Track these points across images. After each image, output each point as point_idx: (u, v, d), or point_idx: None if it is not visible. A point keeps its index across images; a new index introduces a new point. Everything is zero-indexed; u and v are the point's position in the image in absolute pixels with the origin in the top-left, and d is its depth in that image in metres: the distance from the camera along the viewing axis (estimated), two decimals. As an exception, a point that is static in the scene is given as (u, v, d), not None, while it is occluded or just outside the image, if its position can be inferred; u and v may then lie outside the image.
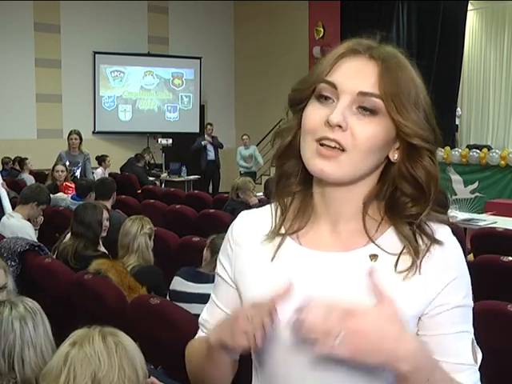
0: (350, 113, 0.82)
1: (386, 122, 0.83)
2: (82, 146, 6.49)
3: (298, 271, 0.90)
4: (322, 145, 0.83)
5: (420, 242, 0.87)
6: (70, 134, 6.47)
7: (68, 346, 1.21)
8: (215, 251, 2.64)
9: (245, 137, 9.70)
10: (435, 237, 0.88)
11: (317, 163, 0.84)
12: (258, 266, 0.93)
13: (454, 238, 0.91)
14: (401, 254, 0.87)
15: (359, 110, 0.83)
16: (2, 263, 2.16)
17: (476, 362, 0.90)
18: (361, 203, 0.89)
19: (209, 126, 9.71)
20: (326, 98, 0.85)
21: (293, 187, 0.93)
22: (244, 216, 1.01)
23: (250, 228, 0.97)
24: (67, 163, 6.28)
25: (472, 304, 0.90)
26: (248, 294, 0.93)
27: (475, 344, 0.91)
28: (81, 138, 6.42)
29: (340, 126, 0.81)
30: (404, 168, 0.86)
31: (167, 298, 2.71)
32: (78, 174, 6.34)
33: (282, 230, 0.93)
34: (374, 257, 0.88)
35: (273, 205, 0.97)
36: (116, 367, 1.19)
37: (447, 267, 0.87)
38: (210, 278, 2.52)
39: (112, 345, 1.21)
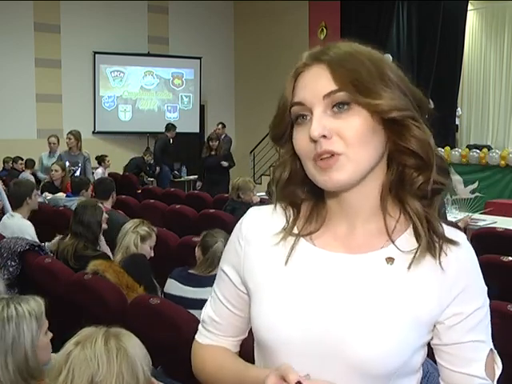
0: (327, 117, 0.83)
1: (361, 110, 0.82)
2: (81, 147, 6.51)
3: (314, 273, 0.89)
4: (319, 159, 0.83)
5: (434, 239, 0.86)
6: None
7: (72, 344, 1.21)
8: (206, 249, 2.64)
9: (52, 139, 6.91)
10: (449, 238, 0.87)
11: (325, 177, 0.83)
12: (272, 268, 0.92)
13: (470, 245, 0.90)
14: (417, 251, 0.86)
15: (334, 111, 0.83)
16: None
17: (491, 376, 0.88)
18: (378, 199, 0.88)
19: (220, 126, 9.03)
20: (303, 116, 0.85)
21: (299, 195, 0.93)
22: (254, 212, 0.99)
23: (261, 225, 0.96)
24: (67, 163, 6.30)
25: (488, 313, 0.89)
26: (262, 295, 0.92)
27: (496, 357, 0.90)
28: (77, 139, 6.43)
29: (324, 136, 0.82)
30: (397, 144, 0.86)
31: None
32: (77, 174, 6.35)
33: (295, 230, 0.93)
34: (390, 260, 0.87)
35: (283, 203, 0.96)
36: (114, 373, 1.18)
37: (463, 272, 0.87)
38: (202, 281, 2.52)
39: (113, 349, 1.20)
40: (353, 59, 0.83)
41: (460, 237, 0.89)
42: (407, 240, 0.88)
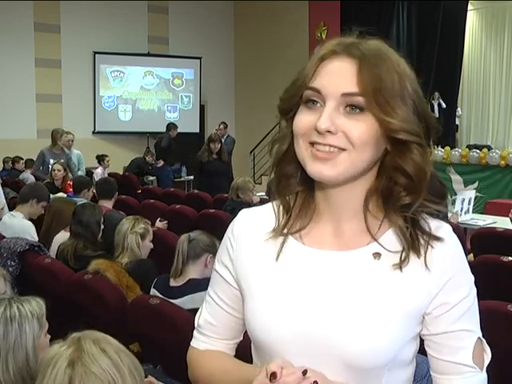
0: (338, 114, 0.83)
1: (372, 119, 0.83)
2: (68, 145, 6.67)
3: (302, 270, 0.90)
4: (316, 147, 0.84)
5: (420, 239, 0.87)
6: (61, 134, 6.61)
7: (66, 367, 1.11)
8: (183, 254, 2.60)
9: (69, 136, 6.91)
10: (434, 234, 0.88)
11: (315, 167, 0.84)
12: (262, 265, 0.93)
13: (455, 236, 0.91)
14: (403, 251, 0.87)
15: (347, 110, 0.83)
16: (1, 271, 2.15)
17: (480, 364, 0.89)
18: (362, 201, 0.90)
19: (222, 126, 8.73)
20: (314, 102, 0.85)
21: (294, 187, 0.93)
22: (245, 214, 1.00)
23: (252, 226, 0.97)
24: (50, 161, 6.38)
25: (476, 303, 0.90)
26: (254, 295, 0.93)
27: (484, 346, 0.91)
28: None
29: (329, 131, 0.82)
30: (394, 160, 0.86)
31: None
32: None
33: (285, 230, 0.93)
34: (377, 255, 0.88)
35: (274, 203, 0.97)
36: (127, 377, 1.15)
37: (448, 264, 0.88)
38: (180, 292, 2.50)
39: (114, 355, 1.16)
40: (382, 65, 0.82)
41: (445, 229, 0.90)
42: (391, 238, 0.89)
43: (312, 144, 0.84)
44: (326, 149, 0.83)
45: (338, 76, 0.83)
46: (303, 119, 0.86)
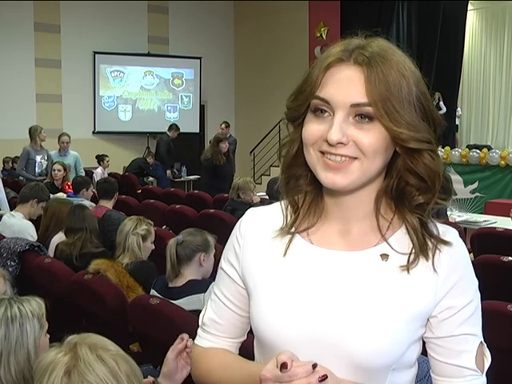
0: (348, 124, 0.83)
1: (382, 127, 0.83)
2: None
3: (309, 270, 0.90)
4: (327, 156, 0.84)
5: (428, 242, 0.88)
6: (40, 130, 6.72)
7: (63, 376, 1.09)
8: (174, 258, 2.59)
9: (64, 137, 6.74)
10: (442, 238, 0.89)
11: (328, 176, 0.84)
12: (268, 263, 0.94)
13: (461, 240, 0.92)
14: (411, 253, 0.88)
15: (356, 119, 0.83)
16: (0, 270, 2.15)
17: (481, 368, 0.90)
18: (372, 203, 0.90)
19: (224, 125, 8.47)
20: (322, 111, 0.85)
21: (303, 187, 0.94)
22: (252, 213, 1.01)
23: (259, 224, 0.98)
24: (36, 158, 6.54)
25: (479, 307, 0.91)
26: (260, 293, 0.93)
27: (485, 350, 0.92)
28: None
29: (341, 142, 0.82)
30: (406, 164, 0.87)
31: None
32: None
33: (293, 229, 0.94)
34: (385, 256, 0.89)
35: (282, 202, 0.97)
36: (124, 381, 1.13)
37: (455, 268, 0.89)
38: (178, 293, 2.50)
39: (111, 362, 1.12)
40: (389, 70, 0.82)
41: (452, 234, 0.91)
42: (400, 239, 0.90)
43: (323, 153, 0.84)
44: (337, 159, 0.83)
45: (346, 86, 0.82)
46: (312, 129, 0.86)
